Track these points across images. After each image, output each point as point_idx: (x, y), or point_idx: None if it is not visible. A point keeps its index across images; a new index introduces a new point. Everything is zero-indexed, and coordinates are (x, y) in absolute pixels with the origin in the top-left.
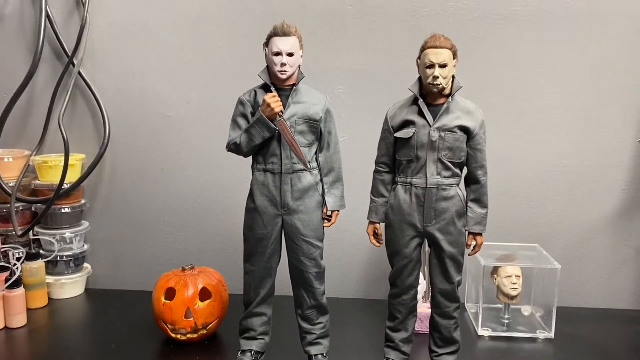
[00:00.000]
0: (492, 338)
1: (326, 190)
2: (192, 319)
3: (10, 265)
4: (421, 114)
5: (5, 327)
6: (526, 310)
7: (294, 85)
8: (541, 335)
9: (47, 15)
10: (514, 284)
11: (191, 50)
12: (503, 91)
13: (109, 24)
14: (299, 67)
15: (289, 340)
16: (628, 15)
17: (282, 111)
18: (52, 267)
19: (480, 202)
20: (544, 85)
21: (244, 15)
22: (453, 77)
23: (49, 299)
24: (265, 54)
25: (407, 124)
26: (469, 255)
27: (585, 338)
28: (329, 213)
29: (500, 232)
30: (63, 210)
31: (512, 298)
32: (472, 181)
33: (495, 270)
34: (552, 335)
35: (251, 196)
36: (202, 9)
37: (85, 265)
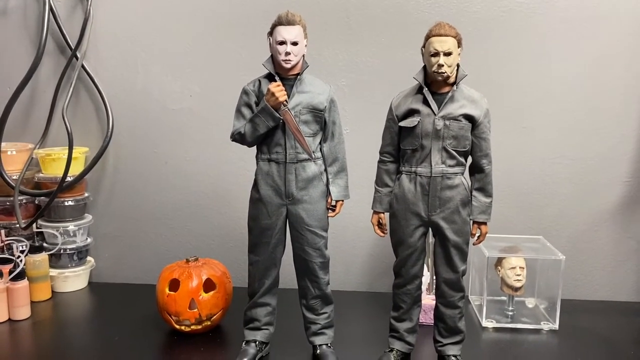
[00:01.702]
0: (496, 329)
1: (330, 180)
2: (196, 310)
3: (13, 258)
4: (426, 102)
5: (9, 319)
6: (530, 302)
7: (298, 74)
8: (545, 326)
9: (51, 9)
10: (517, 275)
11: (194, 43)
12: (506, 84)
13: (112, 17)
14: (303, 56)
15: (293, 330)
16: (629, 8)
17: (286, 100)
18: (56, 259)
19: (485, 191)
20: (547, 77)
21: (247, 8)
22: (458, 65)
23: (52, 291)
24: (270, 43)
25: (411, 112)
26: (474, 244)
27: (589, 329)
28: (333, 203)
29: (504, 224)
30: (66, 203)
31: (516, 289)
32: (476, 170)
33: (499, 261)
34: (556, 326)
35: (255, 186)
36: (204, 1)
37: (89, 258)
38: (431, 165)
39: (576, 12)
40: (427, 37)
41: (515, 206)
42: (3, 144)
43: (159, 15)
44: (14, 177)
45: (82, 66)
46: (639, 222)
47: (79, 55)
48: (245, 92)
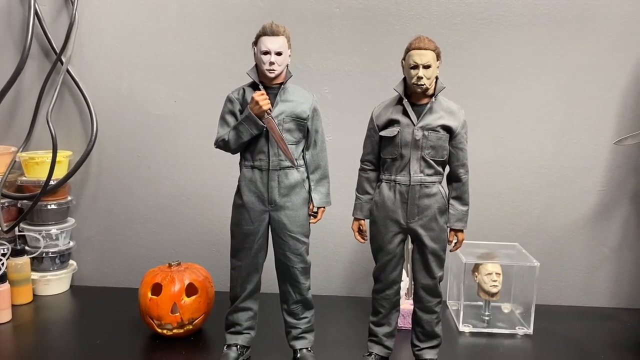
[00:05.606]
0: (472, 334)
1: (312, 187)
2: (178, 314)
3: None
4: (405, 113)
5: None
6: (506, 307)
7: (281, 83)
8: (520, 331)
9: (36, 12)
10: (494, 281)
11: (179, 49)
12: (485, 94)
13: (97, 22)
14: (287, 66)
15: (274, 334)
16: (605, 21)
17: (270, 109)
18: (37, 263)
19: (462, 199)
20: (524, 88)
21: (232, 16)
22: (436, 77)
23: (34, 295)
24: (254, 53)
25: (391, 122)
26: (450, 251)
27: (562, 334)
28: (315, 209)
29: (481, 231)
30: (49, 207)
31: (492, 295)
32: (453, 179)
33: (476, 267)
34: (530, 331)
35: (238, 192)
36: (190, 8)
37: (71, 261)
38: (410, 174)
39: (553, 25)
40: (407, 50)
41: (492, 214)
42: None
43: (144, 21)
44: None
45: (67, 70)
46: (611, 230)
47: (63, 59)
48: (229, 100)
